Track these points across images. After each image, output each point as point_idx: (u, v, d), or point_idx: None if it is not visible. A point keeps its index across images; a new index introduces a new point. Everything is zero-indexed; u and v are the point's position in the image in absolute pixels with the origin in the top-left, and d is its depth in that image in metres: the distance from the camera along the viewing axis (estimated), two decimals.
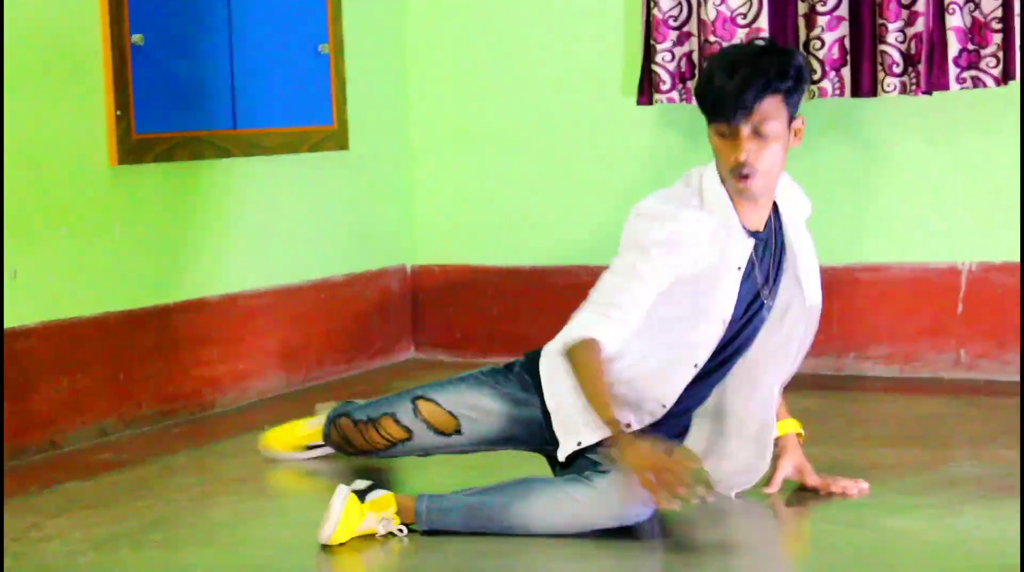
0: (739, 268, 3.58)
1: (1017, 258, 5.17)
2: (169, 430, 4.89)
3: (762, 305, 3.65)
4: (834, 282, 5.35)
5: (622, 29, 5.76)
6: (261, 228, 5.40)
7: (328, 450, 4.23)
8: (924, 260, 5.34)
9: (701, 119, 5.39)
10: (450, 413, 3.82)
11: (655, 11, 5.50)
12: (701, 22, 5.41)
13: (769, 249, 3.64)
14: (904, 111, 5.34)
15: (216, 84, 5.24)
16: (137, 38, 4.87)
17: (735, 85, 3.42)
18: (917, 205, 5.36)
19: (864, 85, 5.24)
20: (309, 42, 5.62)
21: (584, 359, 3.53)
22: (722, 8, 5.34)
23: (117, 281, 4.86)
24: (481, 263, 5.91)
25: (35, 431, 4.56)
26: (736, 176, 3.48)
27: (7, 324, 4.47)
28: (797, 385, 5.13)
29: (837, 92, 5.26)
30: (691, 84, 5.46)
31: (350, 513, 3.46)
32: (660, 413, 3.61)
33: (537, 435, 3.71)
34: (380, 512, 3.52)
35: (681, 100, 5.51)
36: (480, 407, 3.80)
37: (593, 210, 5.81)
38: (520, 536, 3.49)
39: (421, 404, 3.85)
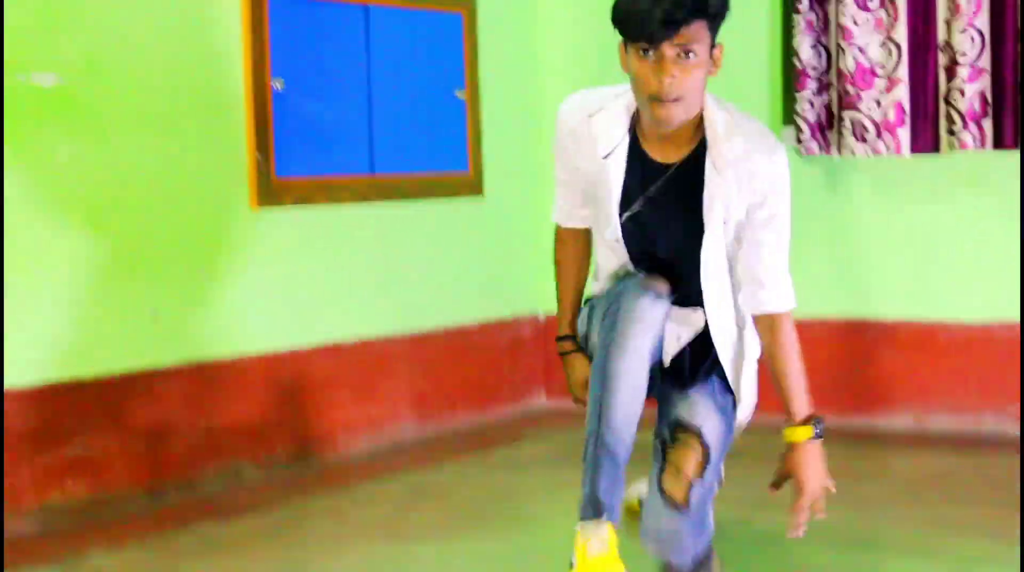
0: (622, 174, 3.54)
1: None
2: (303, 474, 4.91)
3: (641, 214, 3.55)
4: (973, 340, 5.36)
5: (767, 79, 5.77)
6: (396, 273, 5.43)
7: None
8: None
9: (843, 168, 5.42)
10: None
11: (796, 60, 5.49)
12: (840, 72, 5.40)
13: (674, 178, 3.52)
14: None
15: (354, 129, 5.28)
16: (278, 82, 4.94)
17: (663, 5, 3.24)
18: None
19: (1007, 138, 5.17)
20: (446, 87, 5.66)
21: (558, 257, 3.78)
22: (861, 59, 5.33)
23: (254, 324, 4.91)
24: None
25: (172, 472, 4.61)
26: (656, 102, 3.32)
27: (147, 364, 4.55)
28: (930, 443, 5.15)
29: (978, 144, 5.19)
30: (830, 135, 5.46)
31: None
32: None
33: None
34: None
35: (821, 152, 5.48)
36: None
37: None
38: None
39: None
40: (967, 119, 5.19)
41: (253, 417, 4.87)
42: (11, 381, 4.18)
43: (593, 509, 3.41)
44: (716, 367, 3.63)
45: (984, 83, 5.19)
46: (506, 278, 6.00)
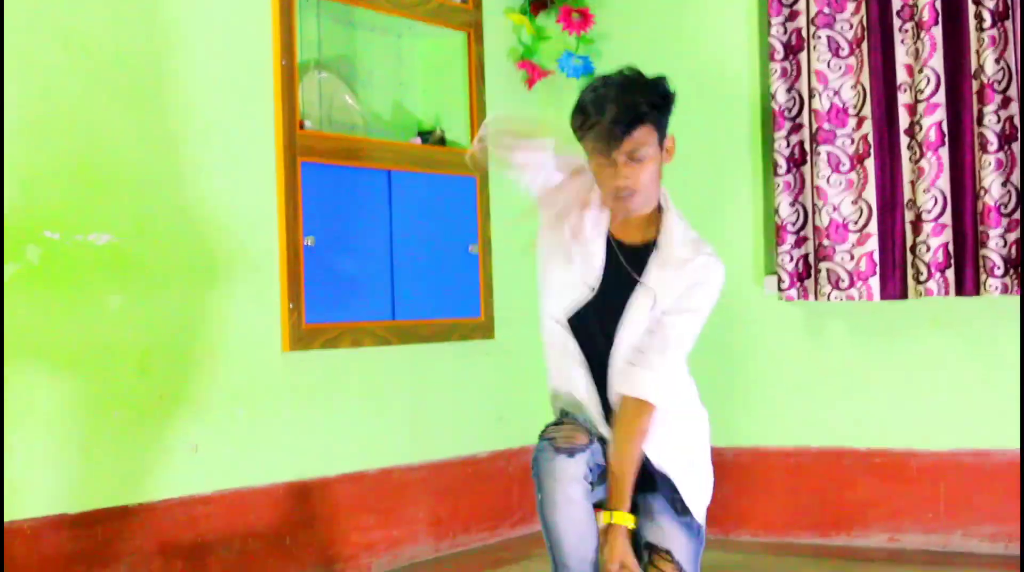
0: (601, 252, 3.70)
1: None
2: None
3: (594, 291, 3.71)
4: (942, 466, 5.40)
5: (751, 231, 5.84)
6: (415, 408, 5.46)
7: None
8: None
9: (820, 311, 5.46)
10: None
11: (776, 218, 5.58)
12: (815, 228, 5.48)
13: (638, 261, 3.69)
14: (1001, 308, 5.30)
15: (377, 280, 5.32)
16: (309, 240, 4.99)
17: (608, 120, 3.44)
18: (1018, 395, 5.24)
19: (967, 285, 5.22)
20: (461, 243, 5.69)
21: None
22: (835, 215, 5.39)
23: (286, 455, 4.93)
24: None
25: None
26: (616, 198, 3.55)
27: (188, 492, 4.59)
28: (904, 560, 5.17)
29: (942, 292, 5.24)
30: (808, 283, 5.54)
31: None
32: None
33: None
34: None
35: (799, 297, 5.54)
36: None
37: (731, 387, 5.78)
38: None
39: None
40: (932, 269, 5.24)
41: (283, 538, 4.88)
42: (65, 508, 4.23)
43: None
44: (691, 471, 3.74)
45: (947, 237, 5.24)
46: (515, 412, 5.97)
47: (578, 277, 3.70)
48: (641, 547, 3.66)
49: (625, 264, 3.68)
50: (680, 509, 3.69)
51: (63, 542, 4.24)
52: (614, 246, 3.70)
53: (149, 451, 4.53)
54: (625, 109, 3.47)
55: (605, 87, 3.56)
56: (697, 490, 3.76)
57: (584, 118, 3.53)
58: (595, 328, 3.70)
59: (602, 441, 3.65)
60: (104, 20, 4.45)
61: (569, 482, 3.47)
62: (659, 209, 3.70)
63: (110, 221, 4.44)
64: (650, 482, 3.70)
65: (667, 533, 3.64)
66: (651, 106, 3.51)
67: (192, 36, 4.73)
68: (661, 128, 3.57)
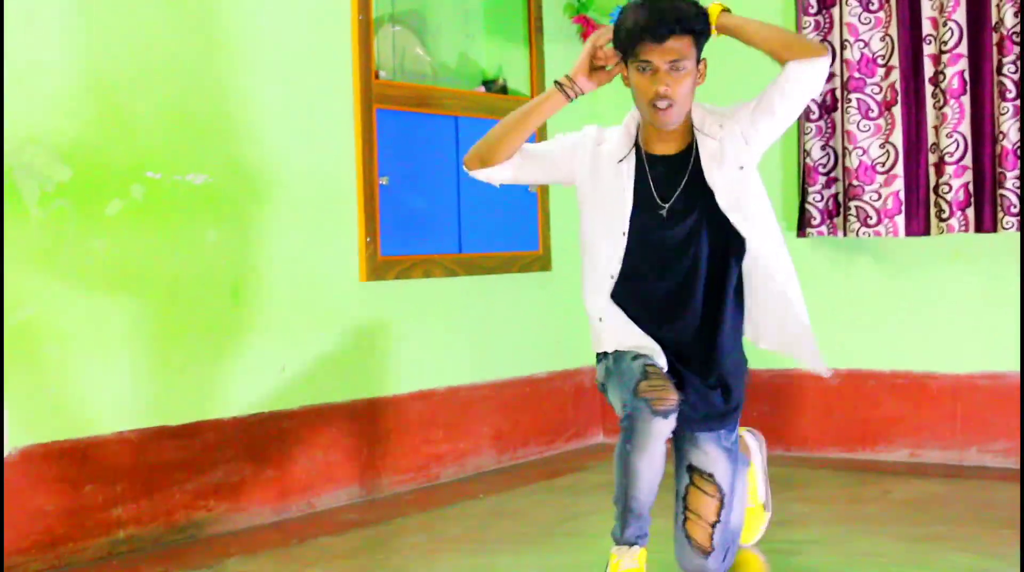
0: (630, 186, 3.50)
1: None
2: (402, 497, 4.92)
3: (662, 209, 3.49)
4: (959, 387, 5.34)
5: (780, 175, 5.72)
6: (479, 333, 5.45)
7: None
8: None
9: (848, 247, 5.38)
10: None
11: (807, 159, 5.51)
12: (845, 169, 5.40)
13: (682, 167, 3.49)
14: (1017, 243, 5.18)
15: (445, 216, 5.32)
16: (384, 179, 4.99)
17: (656, 20, 3.30)
18: None
19: (986, 223, 5.15)
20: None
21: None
22: (864, 158, 5.33)
23: (363, 375, 4.95)
24: None
25: (295, 495, 4.64)
26: (654, 108, 3.36)
27: (276, 407, 4.60)
28: (923, 473, 5.12)
29: (963, 229, 5.18)
30: (838, 221, 5.46)
31: None
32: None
33: None
34: None
35: (829, 234, 5.47)
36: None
37: None
38: None
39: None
40: (953, 208, 5.18)
41: (360, 450, 4.90)
42: (167, 421, 4.25)
43: (626, 544, 3.42)
44: (735, 394, 3.58)
45: (967, 178, 5.17)
46: (569, 336, 5.92)
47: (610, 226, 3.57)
48: (684, 469, 3.54)
49: (666, 174, 3.51)
50: (725, 436, 3.55)
51: (165, 451, 4.26)
52: (645, 164, 3.53)
53: (241, 370, 4.53)
54: (673, 11, 3.33)
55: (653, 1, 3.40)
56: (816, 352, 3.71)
57: (634, 22, 3.35)
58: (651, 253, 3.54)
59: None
60: None
61: (660, 439, 3.34)
62: (689, 122, 3.51)
63: (205, 163, 4.43)
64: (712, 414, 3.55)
65: (711, 457, 3.51)
66: (695, 18, 3.37)
67: (285, 9, 4.71)
68: (699, 46, 3.42)
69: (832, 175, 5.48)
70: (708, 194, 3.44)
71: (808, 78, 3.39)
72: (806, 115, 5.45)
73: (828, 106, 5.47)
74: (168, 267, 4.28)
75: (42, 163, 3.94)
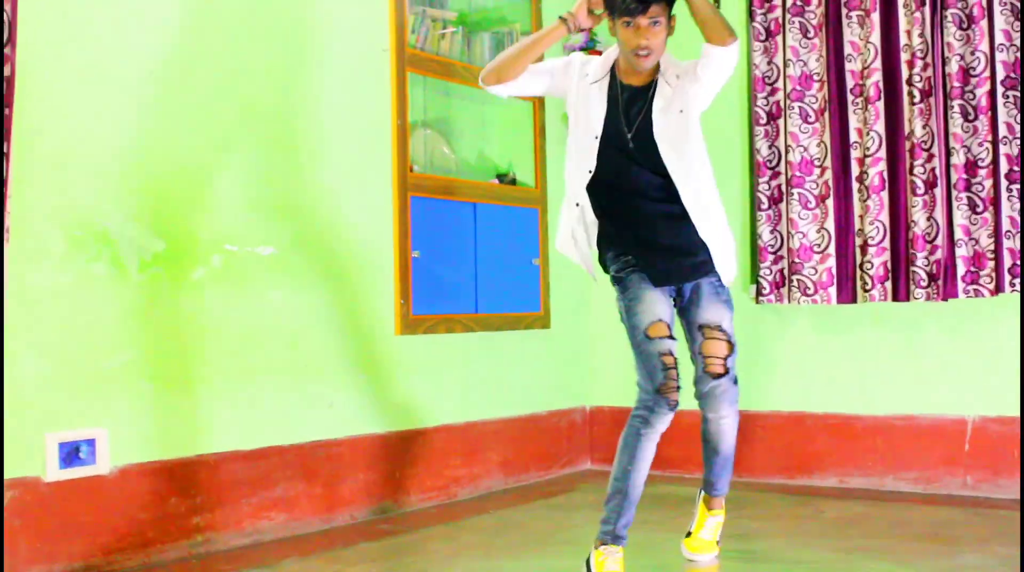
0: (603, 103, 3.61)
1: (1011, 413, 5.06)
2: (427, 511, 4.90)
3: (627, 133, 3.58)
4: (879, 426, 5.34)
5: (740, 253, 5.72)
6: (491, 379, 5.43)
7: None
8: (940, 413, 5.21)
9: (791, 312, 5.38)
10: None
11: (759, 241, 5.51)
12: (789, 249, 5.40)
13: (643, 97, 3.60)
14: (926, 310, 5.26)
15: (465, 283, 5.31)
16: (416, 253, 4.99)
17: None
18: (939, 375, 5.24)
19: (901, 294, 5.18)
20: (526, 257, 5.68)
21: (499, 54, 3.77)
22: (804, 241, 5.33)
23: (397, 411, 4.93)
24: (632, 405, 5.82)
25: (340, 508, 4.63)
26: (636, 55, 3.50)
27: (325, 436, 4.60)
28: (849, 496, 5.11)
29: (882, 298, 5.20)
30: (783, 291, 5.46)
31: None
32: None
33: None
34: None
35: (776, 301, 5.45)
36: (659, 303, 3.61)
37: None
38: None
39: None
40: (875, 281, 5.20)
41: (394, 472, 4.88)
42: (240, 446, 4.26)
43: (613, 539, 3.53)
44: (708, 266, 3.65)
45: (886, 257, 5.19)
46: (564, 383, 5.94)
47: (592, 127, 3.65)
48: (695, 330, 3.69)
49: (632, 100, 3.62)
50: (719, 288, 3.69)
51: (236, 470, 4.28)
52: (618, 88, 3.64)
53: (297, 406, 4.54)
54: None
55: None
56: (728, 263, 3.70)
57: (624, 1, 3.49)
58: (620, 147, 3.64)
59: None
60: (274, 93, 4.48)
61: (666, 426, 3.59)
62: (657, 67, 3.63)
63: (272, 238, 4.46)
64: (695, 271, 3.66)
65: (716, 312, 3.66)
66: None
67: (332, 103, 4.74)
68: (669, 9, 3.51)
69: (779, 254, 5.48)
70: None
71: (726, 60, 3.54)
72: (758, 206, 5.49)
73: (775, 198, 5.49)
74: (240, 321, 4.30)
75: (141, 237, 3.98)
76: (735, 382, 3.72)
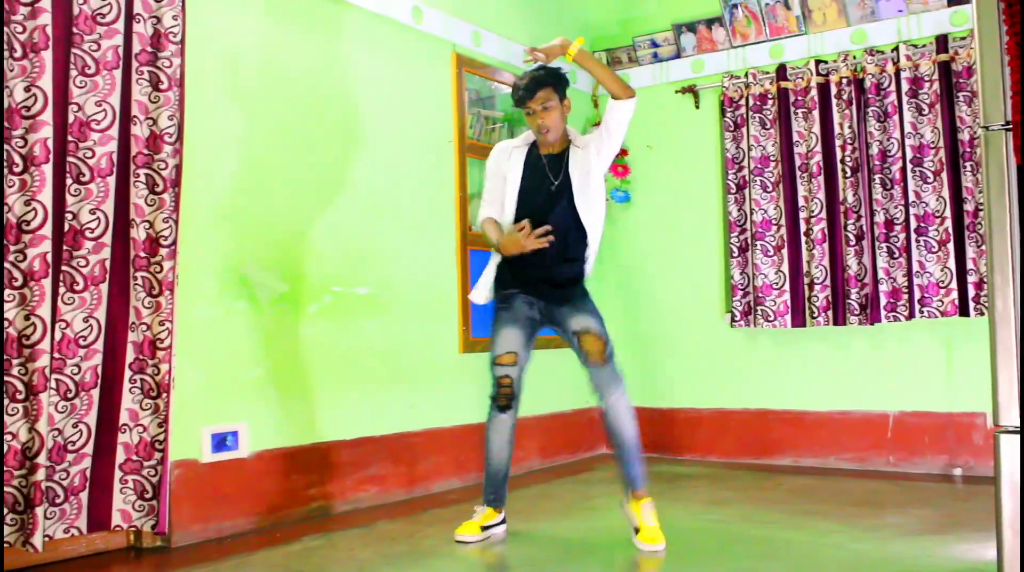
0: (520, 169, 3.57)
1: (922, 408, 5.04)
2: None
3: (552, 185, 3.53)
4: (823, 419, 5.32)
5: (719, 290, 5.75)
6: (534, 384, 5.24)
7: (495, 530, 3.69)
8: (869, 408, 5.20)
9: (756, 333, 5.35)
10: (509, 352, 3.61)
11: (731, 281, 5.49)
12: (755, 287, 5.39)
13: (560, 160, 3.54)
14: (858, 332, 5.23)
15: None
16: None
17: (525, 89, 3.45)
18: (868, 380, 5.22)
19: (839, 319, 5.16)
20: None
21: (485, 226, 3.64)
22: (765, 281, 5.31)
23: (461, 410, 4.89)
24: (638, 404, 5.83)
25: (419, 483, 4.62)
26: (537, 132, 3.51)
27: (408, 429, 4.59)
28: (801, 472, 5.08)
29: (826, 323, 5.18)
30: (750, 317, 5.44)
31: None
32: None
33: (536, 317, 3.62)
34: None
35: (745, 325, 5.43)
36: (512, 337, 3.61)
37: (704, 373, 5.76)
38: None
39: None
40: (819, 310, 5.18)
41: (460, 456, 4.86)
42: (344, 436, 4.26)
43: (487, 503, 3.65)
44: (577, 284, 3.58)
45: (828, 293, 5.16)
46: (585, 388, 5.76)
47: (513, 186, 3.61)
48: (571, 337, 3.56)
49: (551, 164, 3.57)
50: (579, 302, 3.57)
51: (342, 454, 4.28)
52: (540, 157, 3.59)
53: (386, 406, 4.54)
54: (536, 80, 3.47)
55: (525, 74, 3.51)
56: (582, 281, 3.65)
57: (517, 94, 3.49)
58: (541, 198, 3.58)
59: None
60: (368, 172, 4.50)
61: (506, 427, 3.70)
62: (566, 137, 3.60)
63: (367, 280, 4.47)
64: (558, 298, 3.58)
65: (585, 320, 3.54)
66: (549, 77, 3.48)
67: (411, 179, 4.77)
68: (560, 91, 3.52)
69: (747, 290, 5.47)
70: (568, 177, 3.55)
71: (625, 109, 3.47)
72: (730, 254, 5.48)
73: (743, 248, 5.47)
74: (343, 344, 4.31)
75: (271, 281, 4.02)
76: (616, 370, 3.55)
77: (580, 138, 3.61)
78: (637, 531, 3.49)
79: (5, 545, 3.09)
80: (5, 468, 3.06)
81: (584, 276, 3.63)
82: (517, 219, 3.58)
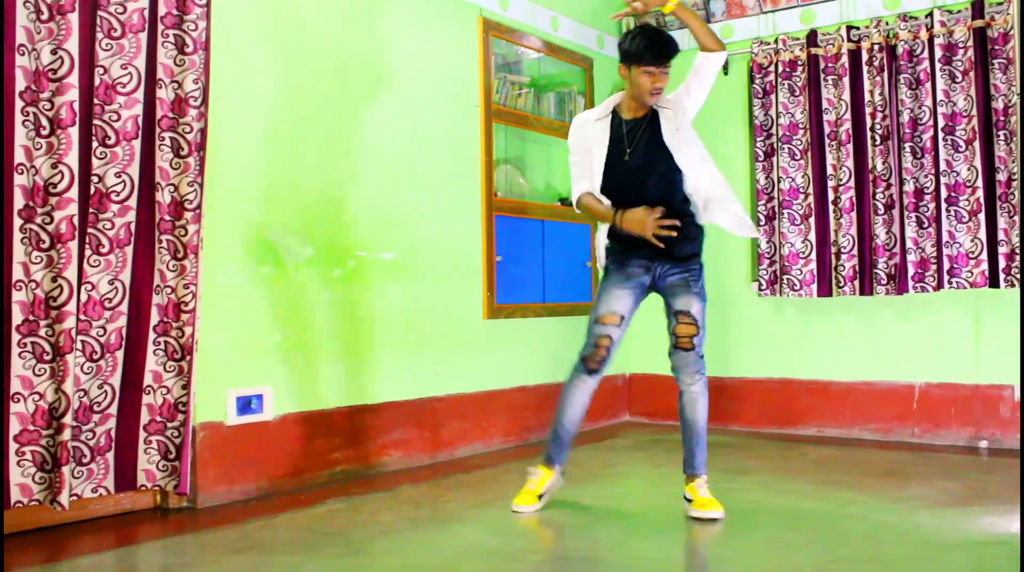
0: (606, 141, 3.46)
1: (948, 380, 5.00)
2: (508, 451, 4.89)
3: (627, 154, 3.42)
4: (848, 390, 5.29)
5: (746, 259, 5.71)
6: (556, 353, 5.32)
7: (552, 487, 3.62)
8: (894, 379, 5.16)
9: (782, 302, 5.31)
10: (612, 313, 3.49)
11: (758, 249, 5.46)
12: (781, 256, 5.35)
13: (642, 126, 3.44)
14: (885, 302, 5.19)
15: (535, 280, 5.28)
16: (498, 258, 4.99)
17: (660, 48, 3.34)
18: (894, 351, 5.17)
19: (866, 289, 5.11)
20: (581, 260, 5.63)
21: (586, 201, 3.51)
22: (792, 250, 5.30)
23: (484, 376, 4.91)
24: (662, 373, 5.81)
25: (443, 448, 4.63)
26: (651, 94, 3.38)
27: (432, 395, 4.59)
28: (825, 442, 5.06)
29: (852, 293, 5.13)
30: (776, 286, 5.39)
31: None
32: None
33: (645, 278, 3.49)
34: None
35: (771, 294, 5.38)
36: (619, 299, 3.48)
37: (731, 342, 5.73)
38: None
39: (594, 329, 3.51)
40: (846, 280, 5.13)
41: (482, 421, 4.88)
42: (367, 400, 4.27)
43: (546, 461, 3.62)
44: (696, 257, 3.46)
45: (854, 262, 5.11)
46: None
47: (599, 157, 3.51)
48: (671, 315, 3.44)
49: (632, 131, 3.46)
50: (692, 282, 3.44)
51: (365, 419, 4.30)
52: (622, 125, 3.48)
53: (411, 372, 4.54)
54: (666, 46, 3.36)
55: (655, 33, 3.39)
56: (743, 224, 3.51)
57: (647, 48, 3.35)
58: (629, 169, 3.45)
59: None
60: (394, 139, 4.48)
61: (588, 389, 3.63)
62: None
63: (393, 246, 4.46)
64: (678, 270, 3.45)
65: (687, 301, 3.42)
66: (674, 50, 3.39)
67: (437, 145, 4.75)
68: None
69: (773, 259, 5.42)
70: (660, 140, 3.43)
71: (717, 61, 3.41)
72: (757, 222, 5.42)
73: (770, 216, 5.42)
74: (368, 308, 4.31)
75: (296, 246, 4.01)
76: (702, 358, 3.46)
77: (665, 99, 3.51)
78: (690, 502, 3.44)
79: (34, 502, 3.12)
80: (33, 427, 3.08)
81: (700, 250, 3.50)
82: (606, 191, 3.47)
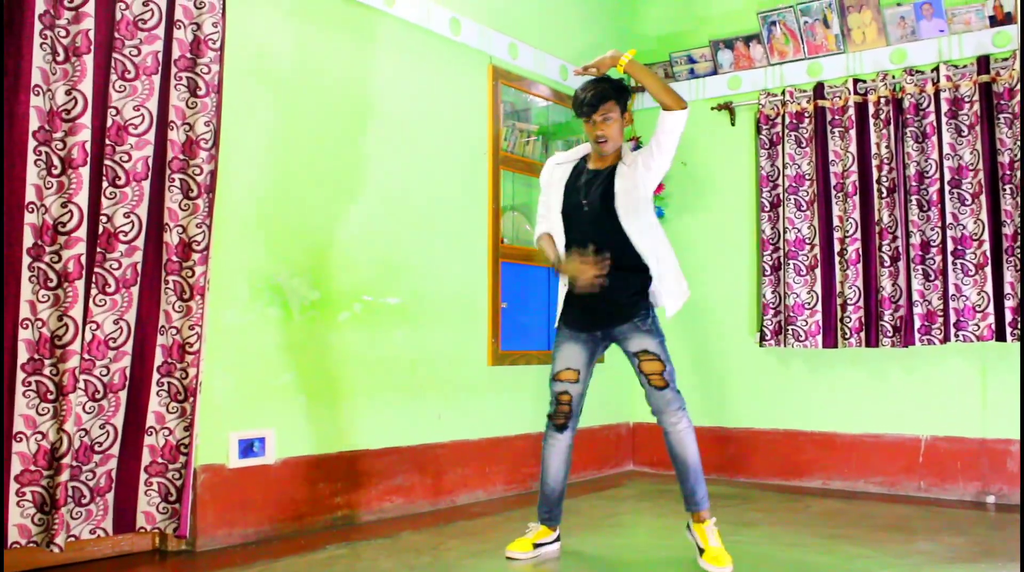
0: (562, 187, 3.49)
1: (955, 433, 4.96)
2: (509, 498, 4.86)
3: (595, 203, 3.39)
4: (854, 442, 5.25)
5: (748, 309, 5.70)
6: None
7: (548, 548, 3.61)
8: (900, 432, 5.12)
9: (787, 354, 5.29)
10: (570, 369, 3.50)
11: (763, 299, 5.45)
12: (786, 306, 5.35)
13: (599, 178, 3.43)
14: (891, 354, 5.17)
15: (539, 326, 5.28)
16: (504, 304, 5.00)
17: (583, 100, 3.38)
18: (900, 404, 5.14)
19: (872, 341, 5.09)
20: None
21: (543, 243, 3.52)
22: (797, 300, 5.30)
23: (488, 422, 4.89)
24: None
25: (444, 495, 4.60)
26: (597, 141, 3.41)
27: (433, 440, 4.56)
28: (830, 495, 5.00)
29: (858, 345, 5.11)
30: (781, 337, 5.38)
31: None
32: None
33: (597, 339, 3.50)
34: None
35: (776, 345, 5.37)
36: (573, 354, 3.49)
37: (737, 394, 5.69)
38: None
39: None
40: (851, 332, 5.11)
41: (485, 468, 4.83)
42: (370, 445, 4.25)
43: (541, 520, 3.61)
44: (637, 304, 3.41)
45: (860, 314, 5.10)
46: (613, 403, 5.85)
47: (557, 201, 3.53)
48: (631, 357, 3.40)
49: (591, 181, 3.46)
50: (640, 322, 3.40)
51: (367, 464, 4.28)
52: (584, 173, 3.49)
53: (413, 417, 4.52)
54: (599, 94, 3.39)
55: (588, 83, 3.43)
56: (672, 299, 3.47)
57: (581, 105, 3.40)
58: (586, 217, 3.45)
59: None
60: (402, 183, 4.49)
61: (563, 446, 3.60)
62: (619, 152, 3.49)
63: (398, 291, 4.46)
64: (617, 318, 3.43)
65: (640, 341, 3.39)
66: (612, 90, 3.40)
67: (445, 191, 4.76)
68: (622, 104, 3.43)
69: (778, 309, 5.41)
70: (612, 197, 3.42)
71: (676, 120, 3.34)
72: (762, 272, 5.42)
73: (775, 267, 5.42)
74: (373, 353, 4.30)
75: (303, 289, 4.01)
76: (678, 394, 3.41)
77: (629, 155, 3.49)
78: (702, 552, 3.38)
79: (31, 544, 3.08)
80: (35, 468, 3.06)
81: (646, 296, 3.46)
82: (568, 236, 3.48)
